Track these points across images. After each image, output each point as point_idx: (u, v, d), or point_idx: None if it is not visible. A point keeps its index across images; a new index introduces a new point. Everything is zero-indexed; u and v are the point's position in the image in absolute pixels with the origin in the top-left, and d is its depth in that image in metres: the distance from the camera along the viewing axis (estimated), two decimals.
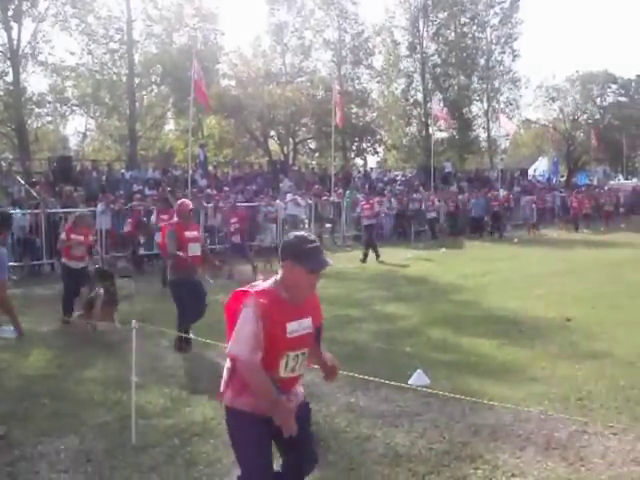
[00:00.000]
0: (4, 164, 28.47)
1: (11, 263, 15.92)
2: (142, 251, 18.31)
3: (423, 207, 26.76)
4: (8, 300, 9.52)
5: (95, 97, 33.63)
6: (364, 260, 18.38)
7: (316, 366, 3.88)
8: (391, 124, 45.13)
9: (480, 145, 47.58)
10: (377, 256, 18.71)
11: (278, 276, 3.62)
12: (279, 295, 3.56)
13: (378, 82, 45.71)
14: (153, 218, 16.06)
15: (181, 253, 8.52)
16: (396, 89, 45.37)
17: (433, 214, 26.07)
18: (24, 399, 6.66)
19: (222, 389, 3.69)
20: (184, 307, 8.62)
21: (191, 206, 9.27)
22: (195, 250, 8.76)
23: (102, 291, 9.86)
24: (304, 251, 3.51)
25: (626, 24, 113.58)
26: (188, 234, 8.79)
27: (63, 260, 10.87)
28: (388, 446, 5.40)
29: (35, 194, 19.35)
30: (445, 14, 43.78)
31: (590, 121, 51.87)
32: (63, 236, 10.76)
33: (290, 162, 39.30)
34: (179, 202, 9.31)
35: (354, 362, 7.45)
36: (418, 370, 6.90)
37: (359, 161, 46.11)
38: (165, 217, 14.07)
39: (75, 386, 7.15)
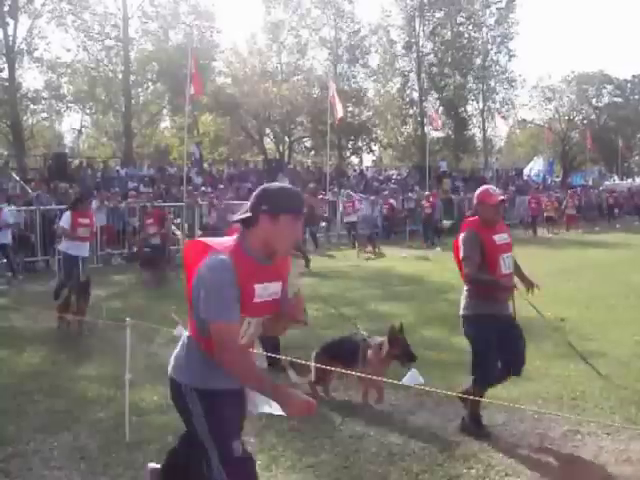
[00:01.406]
0: None
1: (4, 260, 15.95)
2: None
3: (413, 206, 26.31)
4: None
5: (91, 94, 33.69)
6: (307, 265, 16.09)
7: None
8: (387, 123, 45.27)
9: (475, 144, 47.79)
10: (306, 262, 16.19)
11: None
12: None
13: (374, 81, 45.95)
14: (66, 221, 10.93)
15: (490, 277, 5.39)
16: (392, 88, 45.56)
17: (353, 218, 23.16)
18: (17, 396, 6.64)
19: None
20: (487, 360, 5.48)
21: (500, 197, 5.60)
22: (509, 265, 5.56)
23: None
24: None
25: (622, 25, 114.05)
26: (498, 239, 5.50)
27: None
28: (382, 445, 5.40)
29: (30, 190, 19.31)
30: (441, 13, 43.97)
31: (585, 121, 52.09)
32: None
33: (285, 160, 39.33)
34: (482, 191, 5.63)
35: None
36: (412, 369, 6.89)
37: (354, 160, 46.23)
38: (85, 221, 10.89)
39: (69, 383, 7.13)
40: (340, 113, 25.65)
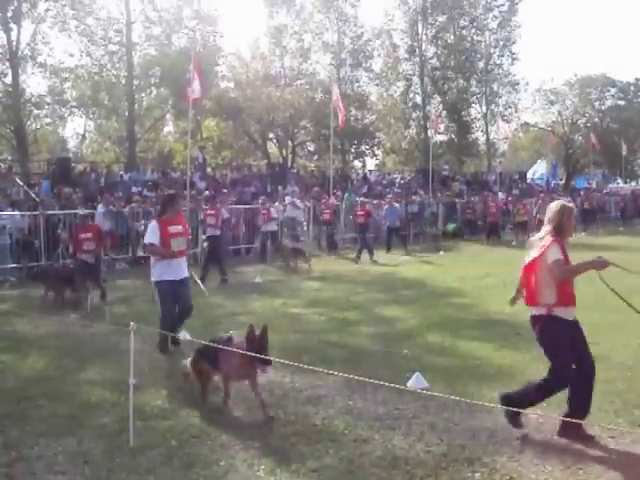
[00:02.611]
0: (3, 166, 28.49)
1: (9, 265, 15.99)
2: None
3: (416, 210, 26.08)
4: None
5: (94, 99, 33.73)
6: (202, 280, 13.77)
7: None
8: (390, 127, 45.23)
9: (479, 148, 47.77)
10: (223, 275, 15.15)
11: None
12: None
13: (377, 85, 45.86)
14: (153, 235, 8.49)
15: None
16: (395, 92, 45.53)
17: (273, 226, 20.72)
18: (21, 400, 6.65)
19: None
20: None
21: None
22: None
23: None
24: None
25: (625, 28, 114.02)
26: None
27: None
28: (386, 449, 5.39)
29: (34, 195, 19.35)
30: (444, 17, 43.94)
31: (589, 124, 51.99)
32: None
33: (289, 165, 39.33)
34: None
35: (352, 365, 7.46)
36: (416, 373, 6.89)
37: (358, 164, 46.20)
38: (177, 229, 8.44)
39: (73, 388, 7.14)
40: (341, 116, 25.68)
